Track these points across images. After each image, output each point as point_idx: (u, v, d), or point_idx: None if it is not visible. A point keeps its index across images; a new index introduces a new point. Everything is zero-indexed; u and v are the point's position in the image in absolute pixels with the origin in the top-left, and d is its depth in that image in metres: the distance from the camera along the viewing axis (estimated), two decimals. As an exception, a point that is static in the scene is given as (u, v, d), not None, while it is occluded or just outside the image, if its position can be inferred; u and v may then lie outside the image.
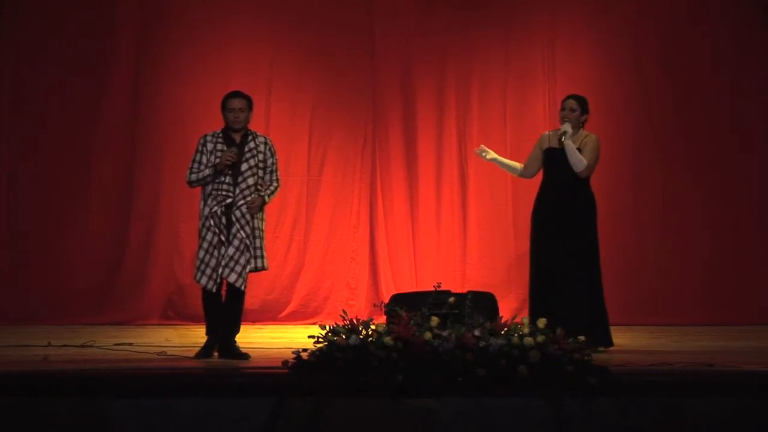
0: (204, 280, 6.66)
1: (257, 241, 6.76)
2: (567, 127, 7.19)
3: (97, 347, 7.15)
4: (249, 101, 6.86)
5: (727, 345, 7.62)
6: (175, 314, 9.52)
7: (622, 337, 7.94)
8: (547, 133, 7.47)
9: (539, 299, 7.12)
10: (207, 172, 6.69)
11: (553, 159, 7.24)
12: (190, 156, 6.86)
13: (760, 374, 5.60)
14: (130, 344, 7.33)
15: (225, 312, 6.77)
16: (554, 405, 5.08)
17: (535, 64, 10.01)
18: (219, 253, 6.65)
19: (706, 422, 5.11)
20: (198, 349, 6.73)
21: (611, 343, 7.11)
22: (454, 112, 10.01)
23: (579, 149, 7.16)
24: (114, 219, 9.72)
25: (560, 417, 5.07)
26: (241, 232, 6.66)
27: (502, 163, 7.69)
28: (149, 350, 6.96)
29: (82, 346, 7.18)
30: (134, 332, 8.54)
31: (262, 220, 6.83)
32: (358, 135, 9.99)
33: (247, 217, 6.69)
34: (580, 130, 7.30)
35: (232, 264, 6.65)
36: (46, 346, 7.12)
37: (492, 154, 7.63)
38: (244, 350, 6.69)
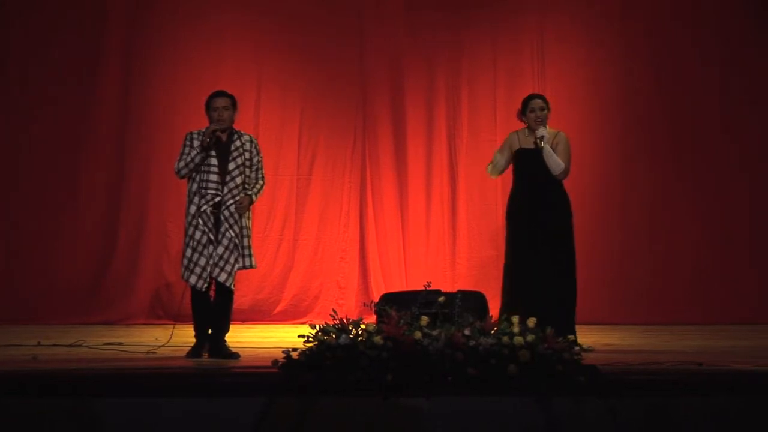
0: (193, 279, 6.66)
1: (245, 240, 6.78)
2: (543, 132, 7.09)
3: (87, 347, 7.14)
4: (233, 100, 6.87)
5: (716, 344, 7.64)
6: (164, 313, 9.52)
7: (611, 337, 7.96)
8: (515, 132, 7.35)
9: (511, 299, 7.02)
10: (194, 153, 6.69)
11: (527, 160, 7.15)
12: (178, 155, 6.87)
13: (749, 373, 5.61)
14: (120, 344, 7.33)
15: (214, 311, 6.77)
16: (544, 404, 5.08)
17: (523, 63, 10.03)
18: (208, 251, 6.65)
19: (696, 421, 5.12)
20: (188, 348, 6.73)
21: None
22: (443, 111, 10.03)
23: (552, 148, 7.11)
24: (103, 219, 9.72)
25: (550, 416, 5.08)
26: (230, 231, 6.67)
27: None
28: (139, 350, 6.96)
29: (72, 346, 7.18)
30: (124, 332, 8.54)
31: (249, 218, 6.86)
32: (347, 135, 10.01)
33: (236, 216, 6.70)
34: (547, 128, 7.23)
35: (222, 263, 6.66)
36: (35, 345, 7.12)
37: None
38: (234, 350, 6.70)
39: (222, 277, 6.67)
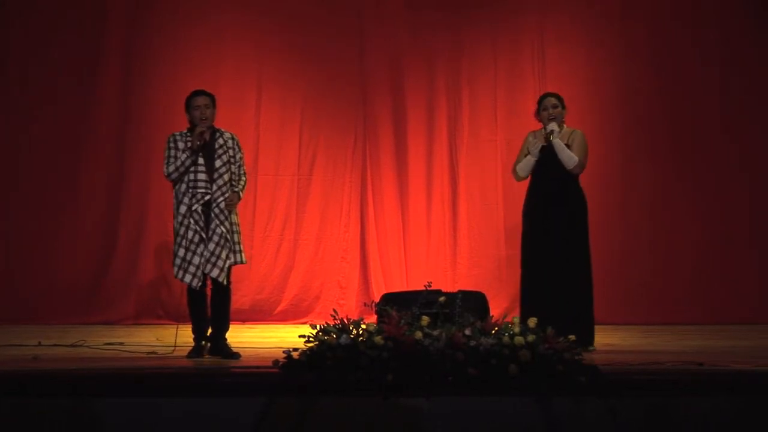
0: (188, 278, 6.67)
1: (235, 236, 6.82)
2: (554, 126, 7.14)
3: (88, 347, 7.15)
4: (212, 98, 6.90)
5: (716, 344, 7.63)
6: (164, 313, 9.52)
7: (612, 337, 7.95)
8: (532, 132, 7.40)
9: (531, 299, 7.09)
10: (183, 156, 6.71)
11: (542, 157, 7.19)
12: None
13: (749, 373, 5.61)
14: (121, 344, 7.34)
15: (213, 311, 6.80)
16: (544, 404, 5.08)
17: (524, 63, 10.02)
18: (200, 250, 6.67)
19: (696, 421, 5.11)
20: (189, 348, 6.73)
21: (592, 344, 7.05)
22: (444, 111, 10.02)
23: (567, 145, 7.13)
24: (103, 219, 9.72)
25: (550, 416, 5.07)
26: (221, 227, 6.69)
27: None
28: (140, 350, 6.96)
29: (73, 346, 7.18)
30: (124, 332, 8.54)
31: (236, 214, 6.89)
32: (348, 135, 10.00)
33: (225, 213, 6.74)
34: (564, 126, 7.26)
35: (213, 259, 6.68)
36: (36, 345, 7.12)
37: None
38: (234, 350, 6.70)
39: (214, 273, 6.68)
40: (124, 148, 9.78)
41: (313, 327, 5.27)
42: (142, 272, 9.66)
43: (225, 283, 6.76)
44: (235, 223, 6.83)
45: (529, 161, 7.23)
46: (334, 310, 5.37)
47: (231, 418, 5.08)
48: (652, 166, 9.91)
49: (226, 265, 6.74)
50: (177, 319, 9.15)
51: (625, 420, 5.09)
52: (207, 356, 6.69)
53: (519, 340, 5.10)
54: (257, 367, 5.82)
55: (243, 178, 6.96)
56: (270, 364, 5.27)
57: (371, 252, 9.89)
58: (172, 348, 6.89)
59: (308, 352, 5.13)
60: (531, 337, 5.12)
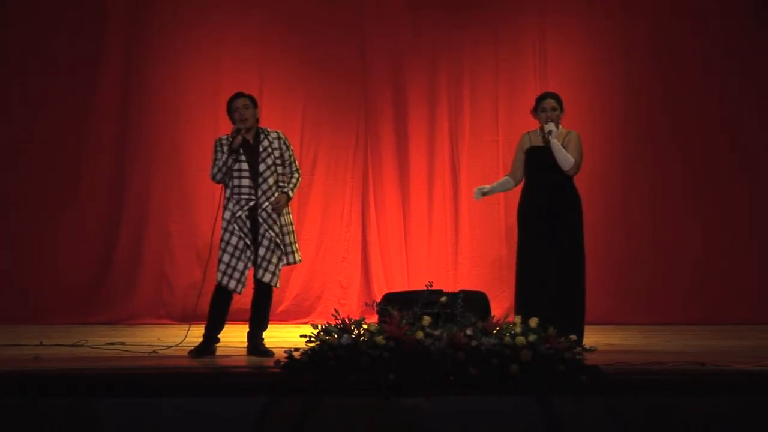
0: (233, 284, 6.67)
1: (287, 237, 6.80)
2: (551, 126, 7.08)
3: (89, 346, 7.14)
4: (252, 99, 6.87)
5: (718, 344, 7.62)
6: (166, 314, 9.53)
7: (612, 337, 7.95)
8: (527, 133, 7.36)
9: (524, 299, 7.06)
10: (224, 158, 6.67)
11: (537, 158, 7.15)
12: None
13: (751, 373, 5.61)
14: (122, 343, 7.33)
15: (254, 311, 6.83)
16: (544, 404, 5.08)
17: (525, 63, 10.02)
18: (246, 256, 6.66)
19: (697, 421, 5.11)
20: (191, 347, 6.71)
21: (581, 344, 6.99)
22: (445, 111, 10.02)
23: (563, 147, 7.10)
24: (104, 219, 9.72)
25: (550, 416, 5.07)
26: (270, 231, 6.68)
27: (495, 188, 7.54)
28: (141, 349, 6.95)
29: (74, 346, 7.18)
30: (126, 331, 8.54)
31: (288, 214, 6.85)
32: (349, 134, 10.00)
33: (274, 216, 6.71)
34: (560, 128, 7.22)
35: (265, 264, 6.69)
36: (37, 345, 7.12)
37: (485, 188, 7.44)
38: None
39: (267, 278, 6.71)
40: (124, 147, 9.78)
41: (315, 327, 5.27)
42: (144, 272, 9.66)
43: (277, 285, 6.78)
44: (285, 224, 6.79)
45: (516, 169, 7.33)
46: (336, 310, 5.38)
47: (231, 418, 5.08)
48: (653, 166, 9.90)
49: (278, 269, 6.76)
50: (178, 319, 9.21)
51: (626, 420, 5.09)
52: (213, 354, 6.69)
53: (520, 340, 5.10)
54: (258, 367, 5.83)
55: (295, 175, 6.90)
56: (271, 363, 5.27)
57: (372, 252, 9.89)
58: (181, 340, 6.91)
59: (310, 351, 5.13)
60: (532, 337, 5.12)
